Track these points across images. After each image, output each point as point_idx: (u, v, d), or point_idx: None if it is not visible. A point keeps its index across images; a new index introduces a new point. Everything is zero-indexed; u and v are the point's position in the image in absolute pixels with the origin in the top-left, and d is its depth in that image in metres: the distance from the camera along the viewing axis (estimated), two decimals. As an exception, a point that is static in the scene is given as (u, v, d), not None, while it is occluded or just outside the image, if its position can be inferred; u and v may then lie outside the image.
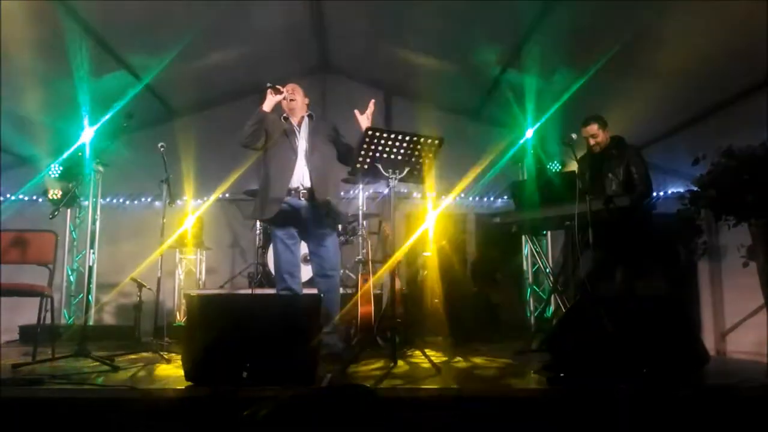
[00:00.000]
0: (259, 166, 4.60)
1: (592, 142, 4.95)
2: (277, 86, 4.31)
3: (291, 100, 4.45)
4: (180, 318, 6.70)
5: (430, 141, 3.97)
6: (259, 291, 6.38)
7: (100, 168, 4.50)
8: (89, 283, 5.81)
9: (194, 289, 7.00)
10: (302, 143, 4.43)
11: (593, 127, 4.94)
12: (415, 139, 3.95)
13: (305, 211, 4.38)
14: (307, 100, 4.61)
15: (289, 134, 4.44)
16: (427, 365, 3.73)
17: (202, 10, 5.47)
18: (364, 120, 4.21)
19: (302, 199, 4.36)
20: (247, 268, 7.11)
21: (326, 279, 4.45)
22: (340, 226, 6.21)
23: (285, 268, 4.42)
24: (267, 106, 4.28)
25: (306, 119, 4.55)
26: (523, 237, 7.37)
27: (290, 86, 4.51)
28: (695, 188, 4.25)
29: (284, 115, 4.50)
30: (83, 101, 6.50)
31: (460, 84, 7.18)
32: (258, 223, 6.87)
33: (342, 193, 7.47)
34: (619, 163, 4.85)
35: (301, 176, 4.36)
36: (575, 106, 6.06)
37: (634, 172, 4.80)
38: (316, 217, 4.39)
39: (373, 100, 4.29)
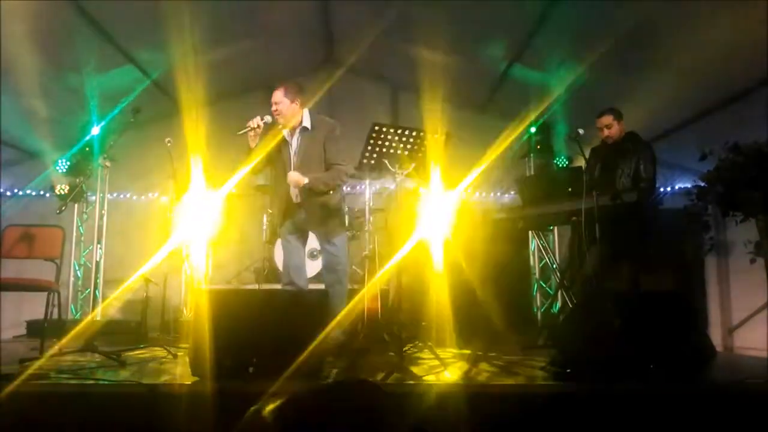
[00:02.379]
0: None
1: (605, 133, 4.91)
2: (249, 124, 4.22)
3: (275, 111, 4.32)
4: (187, 313, 6.71)
5: (436, 136, 3.97)
6: (266, 286, 6.39)
7: (107, 163, 4.50)
8: (96, 278, 5.83)
9: (201, 284, 7.01)
10: (293, 157, 4.40)
11: (608, 118, 4.90)
12: (421, 134, 3.94)
13: (306, 215, 4.42)
14: (299, 100, 4.36)
15: (283, 148, 4.44)
16: (433, 360, 3.73)
17: (210, 5, 5.47)
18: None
19: (299, 208, 4.43)
20: (254, 263, 7.12)
21: (333, 273, 4.49)
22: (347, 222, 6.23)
23: (290, 264, 4.46)
24: (251, 143, 4.30)
25: (299, 132, 4.42)
26: (530, 233, 7.34)
27: (273, 96, 4.35)
28: (702, 184, 4.24)
29: (279, 126, 4.41)
30: (90, 96, 6.52)
31: (467, 79, 7.16)
32: (265, 218, 6.88)
33: (348, 189, 7.48)
34: (631, 157, 4.82)
35: (295, 189, 4.38)
36: (582, 101, 6.05)
37: (642, 167, 4.78)
38: (318, 219, 4.42)
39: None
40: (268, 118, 4.28)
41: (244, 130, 4.22)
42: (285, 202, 4.42)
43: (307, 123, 4.39)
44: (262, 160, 4.32)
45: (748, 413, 2.74)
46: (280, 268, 5.76)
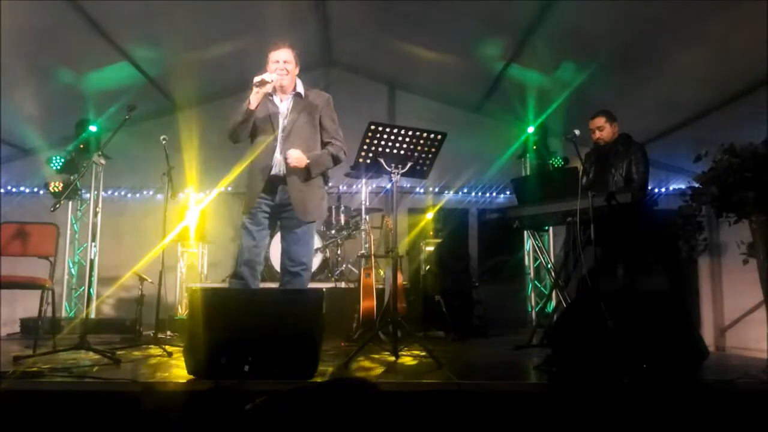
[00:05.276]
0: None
1: (597, 134, 4.94)
2: (263, 78, 3.82)
3: (282, 70, 3.94)
4: (182, 312, 6.71)
5: (432, 136, 3.96)
6: (261, 285, 6.38)
7: (102, 160, 4.46)
8: (91, 276, 5.81)
9: (196, 282, 7.01)
10: (283, 124, 3.99)
11: (600, 120, 4.92)
12: (417, 133, 3.93)
13: (276, 198, 4.01)
14: (297, 70, 4.06)
15: (273, 116, 4.00)
16: (428, 360, 3.74)
17: (206, 2, 5.46)
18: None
19: (276, 185, 3.98)
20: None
21: (291, 277, 4.00)
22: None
23: (244, 257, 3.97)
24: (254, 102, 3.87)
25: (292, 98, 4.06)
26: (525, 233, 7.36)
27: (282, 53, 3.98)
28: (697, 185, 4.25)
29: (269, 93, 4.00)
30: (85, 93, 6.50)
31: (464, 78, 7.18)
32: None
33: (345, 188, 7.48)
34: (624, 159, 4.84)
35: (277, 162, 3.95)
36: (578, 102, 6.07)
37: (634, 168, 4.80)
38: (288, 206, 3.99)
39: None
40: (274, 76, 3.89)
41: (260, 78, 3.82)
42: (266, 173, 3.95)
43: (300, 90, 4.09)
44: (249, 124, 3.96)
45: (740, 412, 2.75)
46: (276, 266, 5.72)
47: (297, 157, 3.83)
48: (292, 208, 3.97)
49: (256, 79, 3.85)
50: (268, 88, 3.88)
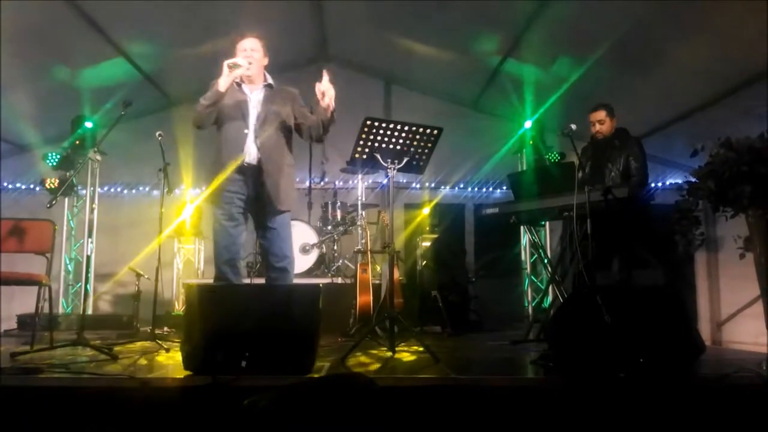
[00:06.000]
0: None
1: (597, 127, 4.96)
2: (236, 61, 3.87)
3: (249, 57, 3.96)
4: (178, 307, 6.70)
5: (429, 131, 3.96)
6: (258, 280, 6.38)
7: (98, 157, 4.45)
8: (87, 272, 5.81)
9: (193, 278, 7.01)
10: (253, 113, 3.99)
11: (601, 113, 4.94)
12: (414, 129, 3.93)
13: (249, 189, 3.99)
14: (266, 61, 4.12)
15: (242, 105, 4.00)
16: (425, 355, 3.74)
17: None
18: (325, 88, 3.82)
19: (248, 176, 3.97)
20: (246, 257, 7.10)
21: (279, 273, 4.03)
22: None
23: (222, 256, 3.96)
24: (223, 84, 3.87)
25: (263, 88, 4.09)
26: (522, 228, 7.37)
27: (249, 42, 4.03)
28: (693, 179, 4.25)
29: (238, 81, 4.01)
30: (81, 89, 6.48)
31: (460, 74, 7.17)
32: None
33: (341, 183, 7.48)
34: (620, 153, 4.86)
35: (251, 152, 3.94)
36: (575, 97, 6.07)
37: (632, 162, 4.82)
38: (262, 197, 3.97)
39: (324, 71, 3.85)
40: (244, 62, 3.91)
41: (233, 60, 3.86)
42: (237, 162, 3.91)
43: (270, 80, 4.13)
44: (215, 110, 3.97)
45: (736, 407, 2.76)
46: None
47: (329, 85, 3.81)
48: (266, 197, 3.96)
49: (229, 61, 3.88)
50: (238, 73, 3.89)
